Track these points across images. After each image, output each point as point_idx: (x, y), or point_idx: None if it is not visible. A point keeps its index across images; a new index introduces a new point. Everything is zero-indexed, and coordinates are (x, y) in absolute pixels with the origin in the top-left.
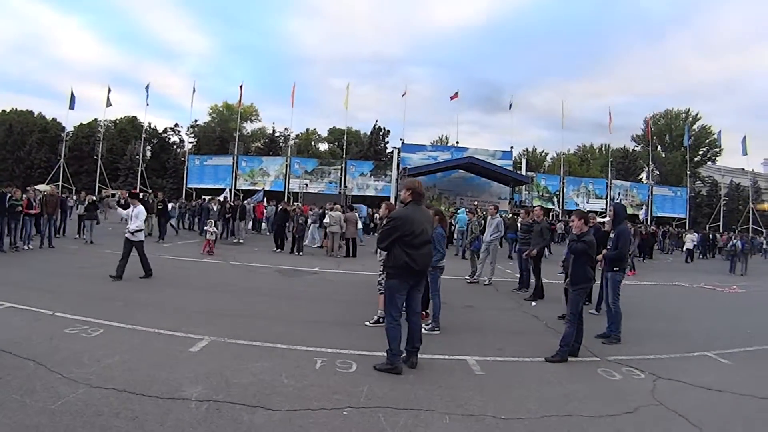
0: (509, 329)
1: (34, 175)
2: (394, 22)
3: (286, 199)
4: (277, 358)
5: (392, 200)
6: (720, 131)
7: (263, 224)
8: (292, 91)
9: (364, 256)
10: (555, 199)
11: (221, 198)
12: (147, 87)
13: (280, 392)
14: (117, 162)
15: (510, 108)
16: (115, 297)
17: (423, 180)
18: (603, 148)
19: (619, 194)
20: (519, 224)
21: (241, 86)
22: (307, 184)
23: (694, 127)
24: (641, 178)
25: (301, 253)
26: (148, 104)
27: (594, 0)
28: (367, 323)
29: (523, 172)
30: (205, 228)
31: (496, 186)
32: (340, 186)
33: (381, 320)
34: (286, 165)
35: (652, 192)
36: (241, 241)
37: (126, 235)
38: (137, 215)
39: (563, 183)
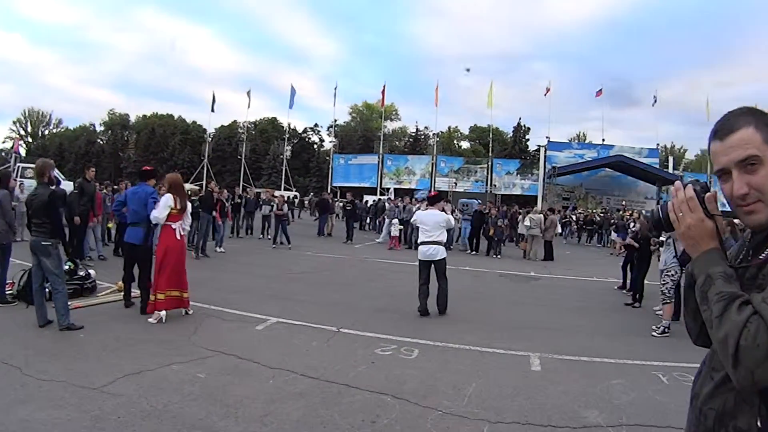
0: None
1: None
2: (515, 19)
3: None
4: (600, 375)
5: (539, 200)
6: None
7: None
8: (436, 91)
9: (564, 260)
10: None
11: (390, 196)
12: (292, 89)
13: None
14: (260, 161)
15: (654, 104)
16: (385, 308)
17: (569, 179)
18: None
19: None
20: None
21: (384, 86)
22: (456, 183)
23: None
24: None
25: (498, 256)
26: (291, 106)
27: None
28: (654, 334)
29: (670, 170)
30: (392, 226)
31: (643, 185)
32: (487, 185)
33: (666, 330)
34: (432, 163)
35: None
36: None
37: None
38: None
39: (711, 181)
